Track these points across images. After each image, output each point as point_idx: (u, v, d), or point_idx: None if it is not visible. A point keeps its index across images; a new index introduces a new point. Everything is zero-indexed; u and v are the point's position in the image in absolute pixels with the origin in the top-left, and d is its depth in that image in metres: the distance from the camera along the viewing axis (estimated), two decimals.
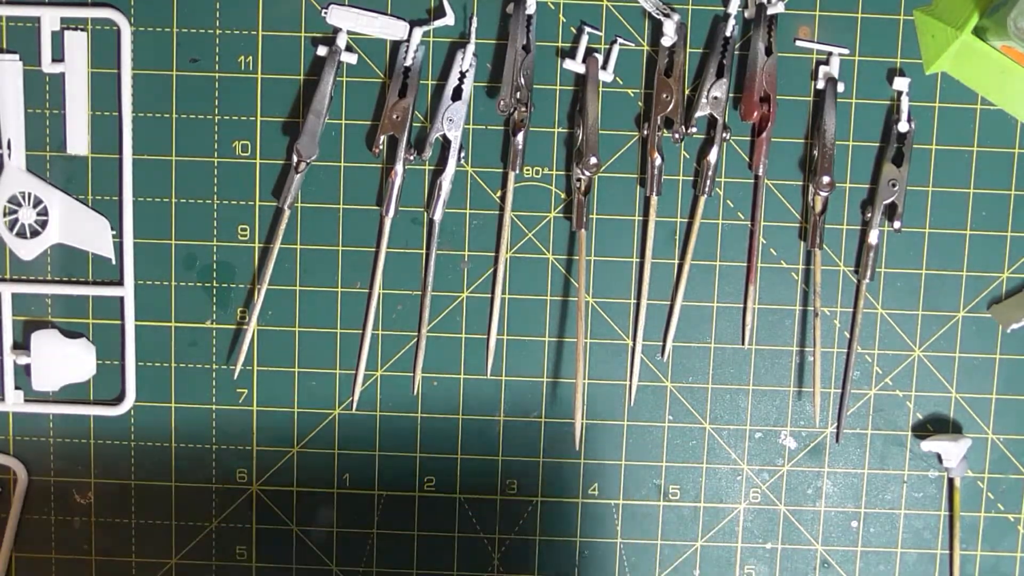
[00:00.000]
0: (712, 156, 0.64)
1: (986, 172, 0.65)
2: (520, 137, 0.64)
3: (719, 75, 0.64)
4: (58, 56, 0.64)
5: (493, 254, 0.66)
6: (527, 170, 0.65)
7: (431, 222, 0.65)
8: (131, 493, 0.68)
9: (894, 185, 0.64)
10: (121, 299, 0.66)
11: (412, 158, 0.64)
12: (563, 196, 0.66)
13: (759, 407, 0.67)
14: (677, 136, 0.64)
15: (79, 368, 0.66)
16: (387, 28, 0.64)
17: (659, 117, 0.64)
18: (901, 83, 0.64)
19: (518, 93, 0.63)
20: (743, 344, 0.66)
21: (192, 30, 0.65)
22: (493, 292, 0.66)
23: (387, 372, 0.67)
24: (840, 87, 0.64)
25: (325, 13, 0.64)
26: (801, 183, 0.66)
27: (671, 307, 0.66)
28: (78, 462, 0.67)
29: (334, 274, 0.66)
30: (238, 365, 0.66)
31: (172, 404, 0.67)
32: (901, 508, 0.68)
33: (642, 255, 0.66)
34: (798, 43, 0.64)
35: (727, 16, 0.64)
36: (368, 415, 0.67)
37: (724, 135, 0.64)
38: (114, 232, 0.66)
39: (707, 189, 0.64)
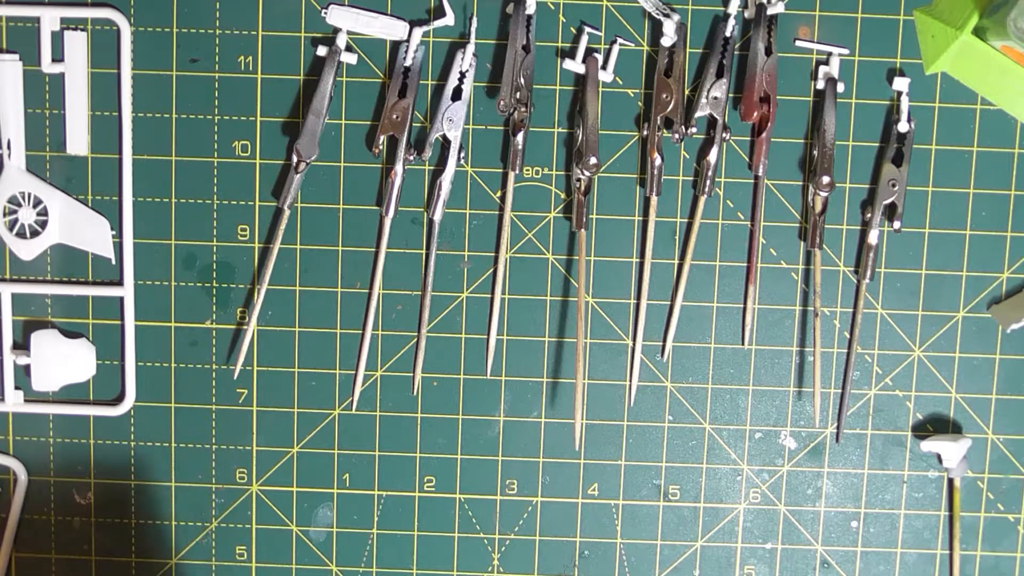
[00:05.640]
0: (712, 156, 0.64)
1: (986, 172, 0.65)
2: (520, 137, 0.64)
3: (719, 75, 0.64)
4: (58, 56, 0.64)
5: (493, 254, 0.66)
6: (527, 170, 0.65)
7: (431, 222, 0.65)
8: (131, 493, 0.68)
9: (894, 185, 0.64)
10: (121, 299, 0.66)
11: (412, 158, 0.64)
12: (563, 196, 0.66)
13: (759, 407, 0.67)
14: (677, 136, 0.64)
15: (79, 368, 0.66)
16: (387, 28, 0.64)
17: (659, 117, 0.64)
18: (901, 83, 0.64)
19: (518, 93, 0.63)
20: (743, 344, 0.66)
21: (192, 30, 0.65)
22: (493, 292, 0.66)
23: (387, 372, 0.67)
24: (840, 87, 0.64)
25: (325, 13, 0.64)
26: (801, 183, 0.66)
27: (671, 307, 0.66)
28: (78, 462, 0.67)
29: (334, 274, 0.66)
30: (238, 365, 0.66)
31: (172, 404, 0.67)
32: (901, 508, 0.67)
33: (642, 255, 0.66)
34: (798, 43, 0.64)
35: (727, 16, 0.64)
36: (368, 415, 0.67)
37: (724, 135, 0.64)
38: (114, 232, 0.66)
39: (707, 189, 0.64)
